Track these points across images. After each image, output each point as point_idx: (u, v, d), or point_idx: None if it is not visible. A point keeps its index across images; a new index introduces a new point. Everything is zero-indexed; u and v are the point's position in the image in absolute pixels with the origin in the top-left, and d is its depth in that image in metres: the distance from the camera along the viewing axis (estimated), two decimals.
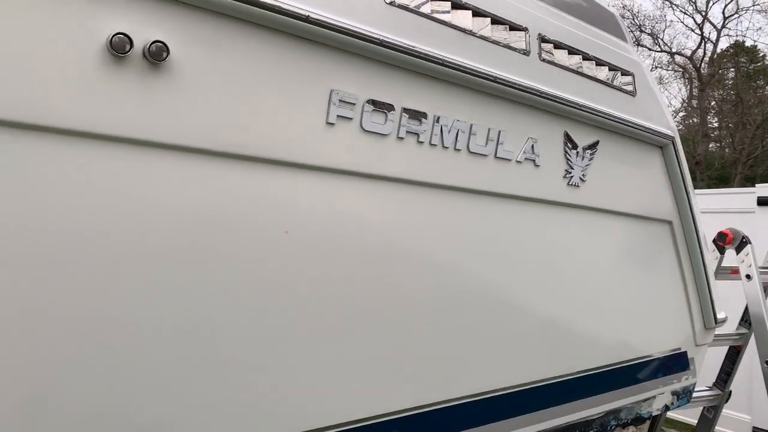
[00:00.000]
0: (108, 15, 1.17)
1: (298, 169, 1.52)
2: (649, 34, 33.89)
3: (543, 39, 2.03)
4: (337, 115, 1.54)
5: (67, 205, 1.18)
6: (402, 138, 1.68)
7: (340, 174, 1.59)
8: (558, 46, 2.08)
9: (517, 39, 1.94)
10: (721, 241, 3.38)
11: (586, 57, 2.19)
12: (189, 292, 1.37)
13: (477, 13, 1.83)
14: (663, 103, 2.58)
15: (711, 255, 3.51)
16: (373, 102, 1.60)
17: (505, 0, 1.94)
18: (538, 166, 2.06)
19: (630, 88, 2.37)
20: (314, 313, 1.60)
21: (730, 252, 3.45)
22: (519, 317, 2.16)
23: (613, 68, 2.30)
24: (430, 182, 1.78)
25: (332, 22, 1.46)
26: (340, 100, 1.54)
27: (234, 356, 1.46)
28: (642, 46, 34.27)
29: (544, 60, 2.02)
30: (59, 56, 1.13)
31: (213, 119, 1.34)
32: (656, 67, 36.14)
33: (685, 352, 2.98)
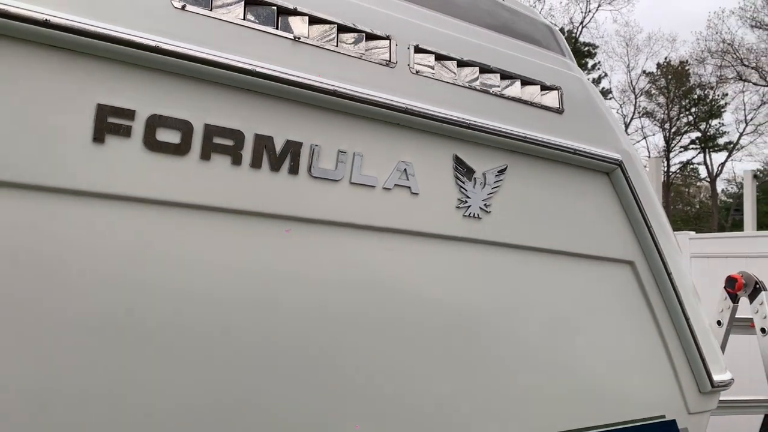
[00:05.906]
0: None
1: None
2: (754, 68, 31.65)
3: (418, 49, 1.78)
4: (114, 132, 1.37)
5: None
6: (208, 158, 1.48)
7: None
8: (441, 57, 1.82)
9: (377, 48, 1.71)
10: (731, 287, 2.80)
11: (485, 69, 1.90)
12: None
13: (315, 20, 1.62)
14: (611, 122, 2.20)
15: (723, 304, 2.96)
16: (159, 117, 1.42)
17: (363, 6, 1.72)
18: (415, 194, 1.78)
19: (554, 104, 2.03)
20: None
21: (745, 300, 2.86)
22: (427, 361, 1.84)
23: (528, 82, 1.99)
24: (249, 210, 1.55)
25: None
26: (115, 113, 1.37)
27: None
28: (746, 81, 32.00)
29: (417, 73, 1.76)
30: None
31: None
32: (764, 103, 33.49)
33: (673, 421, 2.46)
